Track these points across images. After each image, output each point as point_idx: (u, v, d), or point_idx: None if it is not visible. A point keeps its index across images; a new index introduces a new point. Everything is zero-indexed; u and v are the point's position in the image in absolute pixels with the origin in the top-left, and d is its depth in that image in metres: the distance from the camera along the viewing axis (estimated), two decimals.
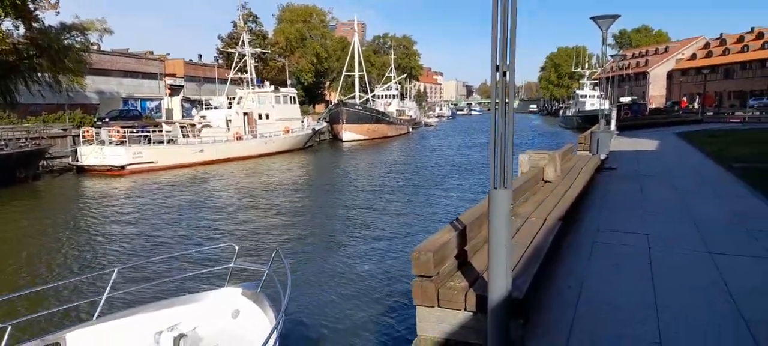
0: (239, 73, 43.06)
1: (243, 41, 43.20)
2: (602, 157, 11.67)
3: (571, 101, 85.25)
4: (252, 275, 6.53)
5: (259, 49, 46.04)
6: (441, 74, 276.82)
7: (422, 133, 74.90)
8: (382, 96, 74.48)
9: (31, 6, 37.59)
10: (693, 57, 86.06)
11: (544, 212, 5.56)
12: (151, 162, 30.27)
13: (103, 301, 5.13)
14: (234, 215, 18.41)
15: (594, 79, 75.81)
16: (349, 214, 18.31)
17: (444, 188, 23.95)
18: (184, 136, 34.05)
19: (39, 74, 41.65)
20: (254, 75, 43.23)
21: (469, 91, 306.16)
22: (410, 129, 72.32)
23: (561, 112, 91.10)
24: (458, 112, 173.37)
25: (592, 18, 11.39)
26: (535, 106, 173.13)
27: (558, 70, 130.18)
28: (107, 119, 40.14)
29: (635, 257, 5.46)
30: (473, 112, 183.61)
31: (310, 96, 78.86)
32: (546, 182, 7.55)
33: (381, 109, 64.40)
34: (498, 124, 3.12)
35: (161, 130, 34.50)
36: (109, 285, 5.09)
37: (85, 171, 29.46)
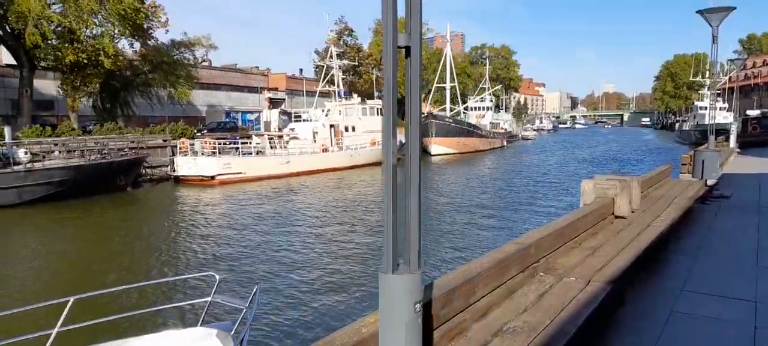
0: (328, 86, 43.62)
1: (331, 54, 43.75)
2: (709, 182, 9.43)
3: (689, 114, 77.26)
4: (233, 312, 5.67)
5: (345, 62, 46.41)
6: (543, 85, 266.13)
7: (518, 147, 71.54)
8: (475, 108, 72.28)
9: (145, 25, 41.08)
10: None
11: (594, 266, 4.03)
12: (240, 173, 31.22)
13: (53, 337, 4.45)
14: (305, 230, 18.01)
15: (716, 90, 67.84)
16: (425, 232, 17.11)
17: (534, 209, 21.87)
18: (272, 147, 34.89)
19: (152, 88, 45.49)
20: (341, 87, 43.55)
21: (574, 103, 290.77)
22: (505, 143, 69.34)
23: (677, 125, 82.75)
24: (560, 125, 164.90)
25: (699, 12, 9.26)
26: (647, 119, 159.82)
27: (675, 79, 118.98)
28: (205, 131, 42.41)
29: (733, 342, 3.84)
30: (577, 125, 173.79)
31: (402, 108, 78.52)
32: (617, 217, 5.91)
33: (473, 121, 62.37)
34: (388, 142, 2.13)
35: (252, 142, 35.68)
36: (62, 318, 4.38)
37: (180, 180, 31.08)
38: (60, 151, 26.57)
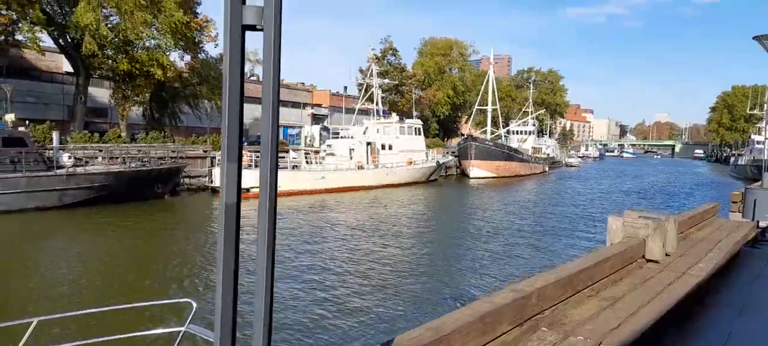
0: (367, 103, 43.68)
1: (371, 72, 43.86)
2: (762, 223, 8.52)
3: (745, 148, 73.40)
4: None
5: (386, 80, 46.43)
6: (591, 112, 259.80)
7: (561, 173, 69.50)
8: (517, 132, 70.89)
9: (196, 38, 42.44)
10: None
11: (611, 322, 3.41)
12: None
13: None
14: (328, 248, 17.72)
15: None
16: (451, 255, 16.52)
17: (568, 239, 20.88)
18: (307, 163, 35.01)
19: (199, 100, 46.82)
20: (380, 105, 43.51)
21: (623, 131, 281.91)
22: (546, 169, 67.52)
23: (732, 159, 78.63)
24: (607, 153, 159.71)
25: (756, 38, 8.46)
26: (700, 151, 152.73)
27: (732, 111, 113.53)
28: (245, 143, 43.02)
29: None
30: (625, 154, 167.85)
31: (445, 129, 78.10)
32: (649, 261, 5.24)
33: (515, 145, 61.10)
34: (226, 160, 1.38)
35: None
36: (23, 341, 4.10)
37: (216, 191, 31.52)
38: (103, 157, 27.43)
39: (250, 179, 30.53)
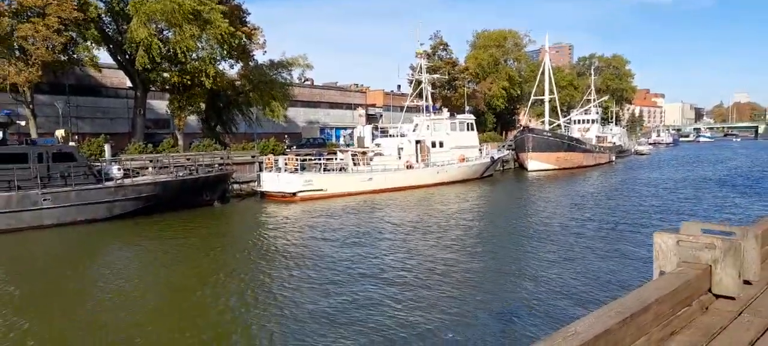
0: (416, 100, 42.47)
1: (420, 68, 42.57)
2: None
3: None
4: None
5: (436, 76, 45.01)
6: (662, 96, 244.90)
7: (630, 162, 65.15)
8: (579, 121, 67.14)
9: (245, 46, 42.90)
10: None
11: None
12: (321, 189, 30.92)
13: None
14: (369, 251, 16.76)
15: None
16: (500, 263, 15.12)
17: (636, 239, 18.75)
18: (355, 164, 34.30)
19: (252, 107, 47.37)
20: (430, 101, 42.13)
21: (699, 114, 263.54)
22: (613, 158, 63.46)
23: None
24: (682, 139, 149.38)
25: None
26: None
27: None
28: (294, 147, 43.04)
29: None
30: (701, 138, 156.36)
31: (502, 122, 75.47)
32: (718, 297, 3.77)
33: (576, 135, 57.77)
34: None
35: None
36: None
37: (265, 196, 31.45)
38: (154, 167, 27.91)
39: (296, 183, 30.28)
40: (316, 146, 44.78)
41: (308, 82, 71.14)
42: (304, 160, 33.32)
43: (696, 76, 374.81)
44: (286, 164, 31.21)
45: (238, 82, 46.31)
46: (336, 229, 21.81)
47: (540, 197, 33.33)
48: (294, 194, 30.07)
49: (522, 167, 50.75)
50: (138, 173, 26.56)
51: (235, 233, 23.09)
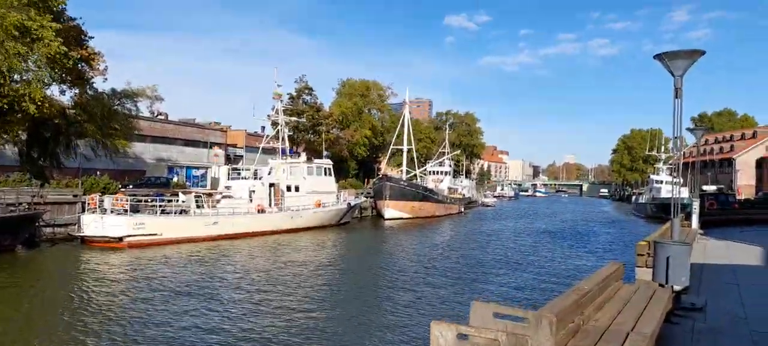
0: (273, 142, 40.93)
1: (277, 110, 41.36)
2: (677, 288, 6.86)
3: (644, 187, 77.87)
4: None
5: (294, 118, 44.13)
6: (507, 153, 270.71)
7: (478, 213, 69.56)
8: (433, 172, 70.57)
9: (82, 71, 37.84)
10: None
11: None
12: (154, 234, 27.52)
13: None
14: (206, 312, 14.60)
15: (671, 164, 68.72)
16: (349, 311, 14.00)
17: (484, 286, 19.08)
18: (198, 206, 31.37)
19: (86, 139, 41.62)
20: (287, 144, 40.88)
21: (536, 171, 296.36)
22: (462, 209, 67.26)
23: (634, 198, 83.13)
24: (522, 193, 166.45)
25: (657, 56, 6.93)
26: (605, 190, 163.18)
27: (631, 153, 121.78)
28: (130, 186, 38.63)
29: None
30: (538, 193, 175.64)
31: (365, 170, 76.56)
32: None
33: (431, 186, 60.29)
34: None
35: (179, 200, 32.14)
36: None
37: (86, 242, 27.13)
38: None
39: (124, 226, 26.64)
40: (157, 186, 40.57)
41: (161, 116, 65.70)
42: (140, 201, 29.67)
43: (534, 136, 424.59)
44: (113, 205, 27.39)
45: (72, 111, 40.67)
46: (166, 279, 19.16)
47: (394, 245, 33.39)
48: (120, 239, 26.32)
49: (379, 215, 51.21)
50: None
51: (38, 286, 19.13)
